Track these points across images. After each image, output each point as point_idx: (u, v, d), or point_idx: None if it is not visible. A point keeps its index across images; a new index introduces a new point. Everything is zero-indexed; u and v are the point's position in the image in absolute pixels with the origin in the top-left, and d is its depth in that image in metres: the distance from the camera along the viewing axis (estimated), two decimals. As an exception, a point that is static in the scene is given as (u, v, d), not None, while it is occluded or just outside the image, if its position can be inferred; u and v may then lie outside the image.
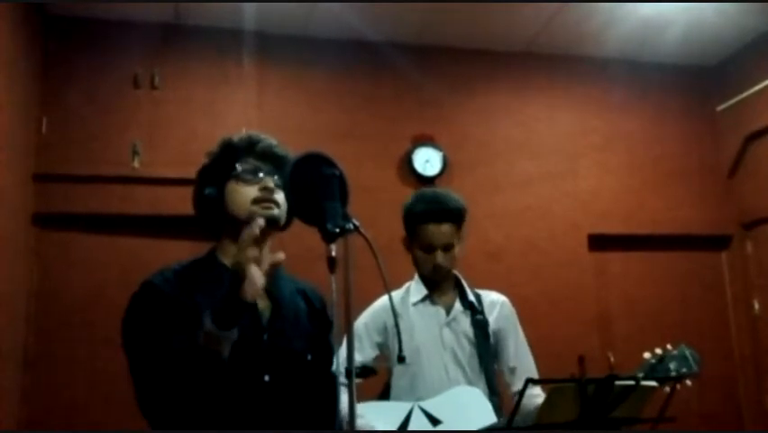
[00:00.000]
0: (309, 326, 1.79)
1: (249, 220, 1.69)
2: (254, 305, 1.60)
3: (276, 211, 1.70)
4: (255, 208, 1.69)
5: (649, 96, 4.90)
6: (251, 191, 1.70)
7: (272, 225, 1.72)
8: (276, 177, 1.71)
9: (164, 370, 1.51)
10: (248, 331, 1.63)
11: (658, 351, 2.23)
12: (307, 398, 1.74)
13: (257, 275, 1.48)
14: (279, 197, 1.70)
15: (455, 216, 2.42)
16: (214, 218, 1.76)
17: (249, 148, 1.76)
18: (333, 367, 1.80)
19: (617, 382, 1.81)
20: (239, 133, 1.82)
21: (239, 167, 1.73)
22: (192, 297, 1.64)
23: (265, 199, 1.69)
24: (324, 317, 1.83)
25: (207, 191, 1.74)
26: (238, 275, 1.45)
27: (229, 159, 1.75)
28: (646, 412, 1.92)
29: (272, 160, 1.74)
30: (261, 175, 1.71)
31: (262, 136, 1.80)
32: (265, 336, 1.67)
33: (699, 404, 4.23)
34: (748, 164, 4.75)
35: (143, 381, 1.57)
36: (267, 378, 1.66)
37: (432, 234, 2.38)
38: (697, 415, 4.33)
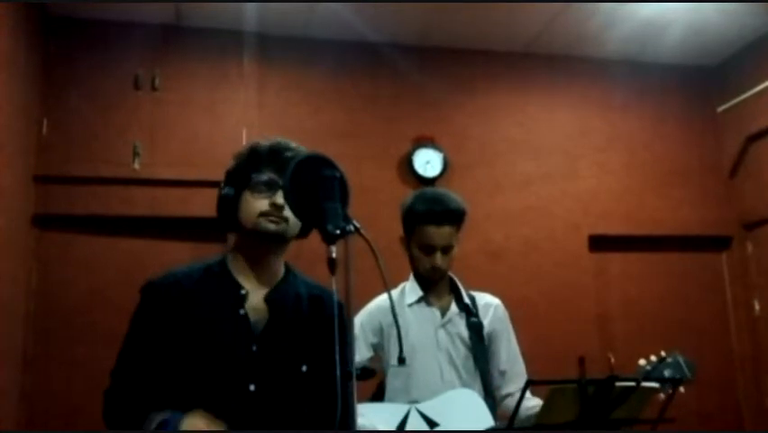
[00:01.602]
0: (312, 335, 1.76)
1: (254, 230, 1.71)
2: (245, 316, 1.67)
3: (281, 226, 1.72)
4: (260, 220, 1.71)
5: (649, 96, 4.89)
6: (262, 204, 1.72)
7: (279, 240, 1.74)
8: None
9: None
10: (236, 341, 1.64)
11: (653, 358, 2.23)
12: (300, 408, 1.72)
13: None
14: (290, 212, 1.69)
15: (456, 217, 2.41)
16: (229, 220, 1.77)
17: (270, 158, 1.75)
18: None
19: (618, 384, 1.81)
20: (268, 139, 1.81)
21: (255, 178, 1.73)
22: (191, 308, 1.67)
23: (271, 215, 1.71)
24: (332, 325, 1.80)
25: (225, 191, 1.75)
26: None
27: (250, 166, 1.75)
28: (645, 414, 1.92)
29: None
30: (274, 189, 1.71)
31: (291, 145, 1.78)
32: (254, 347, 1.66)
33: (698, 404, 4.23)
34: (749, 165, 4.74)
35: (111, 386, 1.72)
36: (252, 387, 1.65)
37: (432, 236, 2.37)
38: (696, 415, 4.33)
